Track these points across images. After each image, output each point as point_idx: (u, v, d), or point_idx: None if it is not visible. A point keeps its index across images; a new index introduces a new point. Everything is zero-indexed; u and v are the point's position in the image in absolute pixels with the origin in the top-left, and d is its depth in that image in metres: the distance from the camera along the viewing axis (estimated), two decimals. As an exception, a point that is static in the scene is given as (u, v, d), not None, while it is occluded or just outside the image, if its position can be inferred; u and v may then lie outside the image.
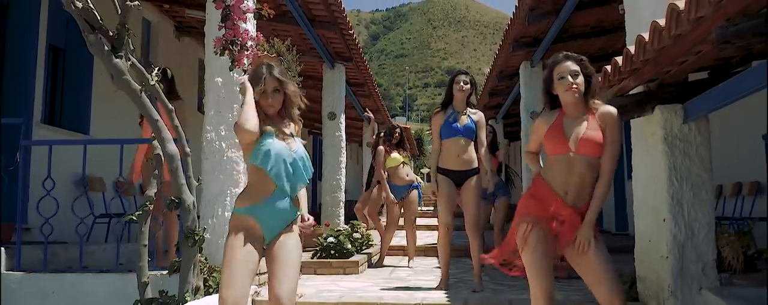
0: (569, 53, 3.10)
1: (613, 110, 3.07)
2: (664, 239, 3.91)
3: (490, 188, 6.13)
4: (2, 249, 4.56)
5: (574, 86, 3.02)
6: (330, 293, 4.84)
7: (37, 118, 6.35)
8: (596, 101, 3.11)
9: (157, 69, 4.31)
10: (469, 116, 5.29)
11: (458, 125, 5.23)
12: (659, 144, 3.96)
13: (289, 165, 3.01)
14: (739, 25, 2.52)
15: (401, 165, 7.35)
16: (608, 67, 3.93)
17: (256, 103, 3.04)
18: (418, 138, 33.16)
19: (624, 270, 4.34)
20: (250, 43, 4.14)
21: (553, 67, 3.09)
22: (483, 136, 5.31)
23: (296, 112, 3.14)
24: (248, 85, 3.05)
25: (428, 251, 8.33)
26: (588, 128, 3.02)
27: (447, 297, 4.74)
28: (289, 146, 3.05)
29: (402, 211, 7.39)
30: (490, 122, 13.53)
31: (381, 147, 7.36)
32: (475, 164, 5.30)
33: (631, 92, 4.10)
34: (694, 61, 3.35)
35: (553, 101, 3.17)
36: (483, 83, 12.22)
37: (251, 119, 2.94)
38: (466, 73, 5.41)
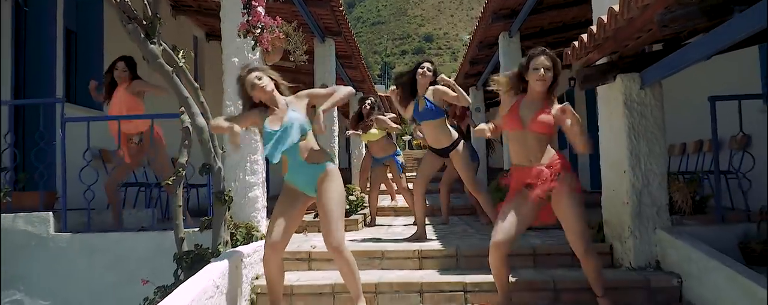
0: (547, 50, 3.77)
1: (568, 107, 3.70)
2: (625, 188, 4.64)
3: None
4: (51, 213, 5.17)
5: (545, 78, 3.71)
6: (338, 245, 5.51)
7: (59, 96, 6.90)
8: (554, 95, 3.82)
9: (181, 52, 4.92)
10: (424, 98, 5.85)
11: (418, 108, 5.88)
12: (620, 107, 4.66)
13: (276, 141, 3.78)
14: (675, 12, 3.19)
15: (381, 139, 7.93)
16: (576, 43, 4.60)
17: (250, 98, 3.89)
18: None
19: (595, 219, 5.11)
20: (271, 26, 4.75)
21: (532, 58, 3.78)
22: (450, 95, 5.73)
23: (285, 87, 3.91)
24: (220, 123, 3.85)
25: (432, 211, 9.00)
26: (541, 113, 3.72)
27: (441, 245, 5.44)
28: (281, 121, 3.77)
29: (387, 178, 8.13)
30: (470, 88, 14.24)
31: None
32: (455, 137, 5.99)
33: (596, 63, 4.78)
34: (646, 38, 4.02)
35: (520, 85, 3.87)
36: (464, 51, 12.84)
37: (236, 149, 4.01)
38: (431, 62, 6.04)
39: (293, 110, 3.84)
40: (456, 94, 5.68)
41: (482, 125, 4.07)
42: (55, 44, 6.85)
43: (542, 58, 3.78)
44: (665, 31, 3.24)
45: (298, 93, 3.96)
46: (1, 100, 6.01)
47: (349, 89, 4.01)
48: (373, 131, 7.73)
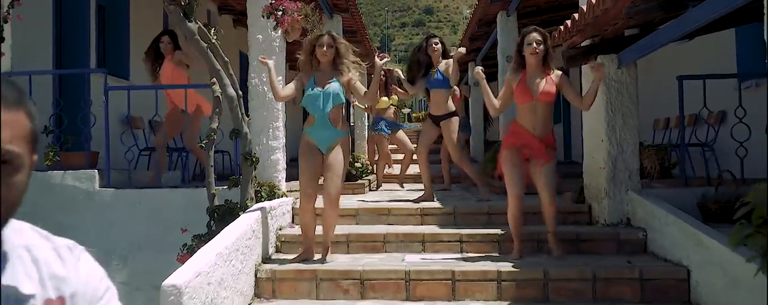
0: (538, 27, 4.49)
1: (561, 73, 4.49)
2: (602, 155, 5.31)
3: None
4: (96, 171, 5.84)
5: (537, 50, 4.40)
6: (349, 204, 6.20)
7: (93, 66, 7.54)
8: (552, 66, 4.52)
9: (213, 29, 5.55)
10: (438, 70, 6.65)
11: (439, 77, 6.63)
12: (600, 85, 5.30)
13: (318, 100, 4.57)
14: (639, 6, 3.84)
15: (389, 107, 8.68)
16: (561, 28, 5.23)
17: (312, 52, 4.48)
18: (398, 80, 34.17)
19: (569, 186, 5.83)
20: (290, 9, 5.38)
21: (525, 35, 4.55)
22: (455, 73, 6.57)
23: (346, 62, 4.56)
24: (268, 63, 4.53)
25: (418, 179, 9.71)
26: (545, 84, 4.46)
27: (441, 205, 6.14)
28: (323, 88, 4.51)
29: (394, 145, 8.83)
30: (470, 64, 14.85)
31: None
32: (452, 109, 6.74)
33: (580, 45, 5.42)
34: (621, 24, 4.66)
35: (520, 61, 4.58)
36: (465, 25, 13.41)
37: (277, 95, 4.78)
38: (436, 37, 6.86)
39: (336, 80, 4.56)
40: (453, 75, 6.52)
41: (477, 68, 4.82)
42: (88, 19, 7.46)
43: (533, 34, 4.60)
44: (631, 21, 3.90)
45: (343, 71, 4.63)
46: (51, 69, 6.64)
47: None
48: (383, 98, 8.43)
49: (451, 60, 6.56)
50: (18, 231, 1.13)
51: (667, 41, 4.48)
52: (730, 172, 5.11)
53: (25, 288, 1.07)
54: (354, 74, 4.73)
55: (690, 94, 5.53)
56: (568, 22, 5.03)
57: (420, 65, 6.76)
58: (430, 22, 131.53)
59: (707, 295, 3.87)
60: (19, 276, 1.07)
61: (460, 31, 16.60)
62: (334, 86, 4.64)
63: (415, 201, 6.44)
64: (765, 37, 2.85)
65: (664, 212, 4.56)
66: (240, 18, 11.62)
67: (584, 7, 4.55)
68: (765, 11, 2.82)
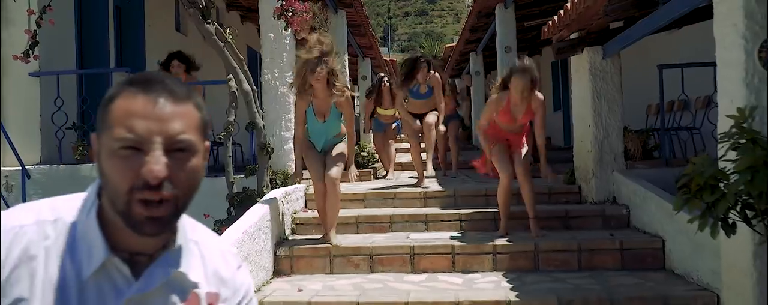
0: (526, 64, 4.88)
1: (539, 97, 4.98)
2: (589, 139, 5.76)
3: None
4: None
5: (524, 96, 4.87)
6: (358, 189, 6.67)
7: (112, 65, 8.01)
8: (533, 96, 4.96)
9: (228, 29, 6.01)
10: (427, 85, 7.22)
11: (420, 92, 7.24)
12: (586, 74, 5.75)
13: (323, 135, 5.08)
14: (615, 5, 4.28)
15: (385, 114, 9.13)
16: (550, 22, 5.67)
17: (305, 75, 4.84)
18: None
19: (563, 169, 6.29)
20: (299, 10, 5.82)
21: (512, 75, 4.90)
22: (439, 92, 7.28)
23: (338, 86, 4.90)
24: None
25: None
26: (526, 113, 4.94)
27: (442, 188, 6.61)
28: (325, 116, 4.97)
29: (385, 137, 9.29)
30: (470, 54, 15.27)
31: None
32: (432, 108, 7.31)
33: (568, 38, 5.87)
34: (604, 20, 5.11)
35: (504, 86, 5.03)
36: (467, 12, 13.83)
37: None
38: (423, 57, 7.36)
39: (334, 108, 4.94)
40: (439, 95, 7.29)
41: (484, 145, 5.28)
42: (107, 20, 7.92)
43: (524, 81, 4.84)
44: (607, 18, 4.34)
45: (337, 94, 4.94)
46: (75, 69, 7.11)
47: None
48: (386, 109, 8.85)
49: (437, 78, 7.26)
50: (193, 226, 1.24)
51: (643, 35, 4.91)
52: (706, 152, 5.55)
53: (193, 276, 1.17)
54: (347, 96, 5.04)
55: (673, 80, 5.95)
56: (556, 17, 5.47)
57: (406, 75, 7.27)
58: (433, 11, 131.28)
59: (678, 261, 4.34)
60: (189, 264, 1.17)
61: (463, 19, 16.99)
62: (333, 117, 5.01)
63: (414, 185, 6.90)
64: (714, 34, 3.30)
65: (644, 189, 5.02)
66: (247, 14, 12.07)
67: (568, 5, 4.99)
68: (714, 11, 3.28)
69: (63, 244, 1.08)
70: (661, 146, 5.92)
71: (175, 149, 1.05)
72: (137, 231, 1.06)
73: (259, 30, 12.34)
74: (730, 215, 2.57)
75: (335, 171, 5.01)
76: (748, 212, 2.63)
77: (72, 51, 7.28)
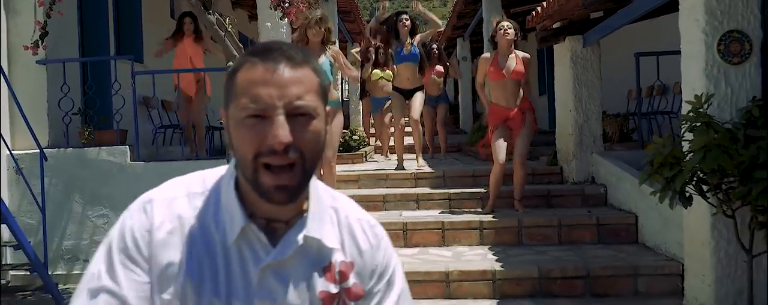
0: (509, 19, 5.30)
1: (526, 55, 5.26)
2: (570, 123, 6.13)
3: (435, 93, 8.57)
4: (127, 146, 6.61)
5: (508, 33, 5.17)
6: (351, 171, 7.01)
7: (112, 52, 8.26)
8: (518, 52, 5.28)
9: (227, 18, 6.30)
10: (412, 44, 7.37)
11: (404, 52, 7.33)
12: (568, 62, 6.10)
13: None
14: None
15: (380, 80, 9.29)
16: (534, 13, 6.01)
17: (305, 32, 5.38)
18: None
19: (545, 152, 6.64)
20: (295, 1, 6.12)
21: (498, 23, 5.28)
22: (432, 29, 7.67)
23: (330, 41, 5.45)
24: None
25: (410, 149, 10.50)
26: (516, 64, 5.21)
27: (432, 169, 6.97)
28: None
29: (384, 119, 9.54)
30: (458, 39, 15.57)
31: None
32: (420, 84, 7.49)
33: (551, 27, 6.20)
34: (583, 11, 5.44)
35: (493, 45, 5.38)
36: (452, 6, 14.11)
37: None
38: (405, 13, 7.53)
39: (325, 57, 5.34)
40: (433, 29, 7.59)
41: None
42: (107, 8, 8.16)
43: (505, 22, 5.41)
44: (587, 10, 4.68)
45: (331, 47, 5.43)
46: (79, 57, 7.38)
47: (355, 75, 5.56)
48: (375, 70, 9.01)
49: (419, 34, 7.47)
50: (332, 194, 1.25)
51: (621, 25, 5.26)
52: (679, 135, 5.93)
53: (329, 242, 1.17)
54: (339, 53, 5.52)
55: (666, 67, 6.25)
56: (539, 8, 5.80)
57: (388, 32, 7.48)
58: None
59: (649, 234, 4.73)
60: (325, 231, 1.17)
61: (450, 3, 17.28)
62: (324, 62, 5.43)
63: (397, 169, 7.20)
64: (679, 28, 3.66)
65: (620, 170, 5.39)
66: (239, 1, 12.30)
67: (550, -3, 5.33)
68: (680, 7, 3.63)
69: (210, 214, 1.14)
70: (637, 129, 6.29)
71: (297, 114, 1.07)
72: (266, 198, 1.08)
73: (249, 16, 12.68)
74: (687, 189, 2.93)
75: (331, 154, 5.39)
76: (703, 187, 3.00)
77: (75, 40, 7.52)
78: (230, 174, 1.16)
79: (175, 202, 1.16)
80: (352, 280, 1.19)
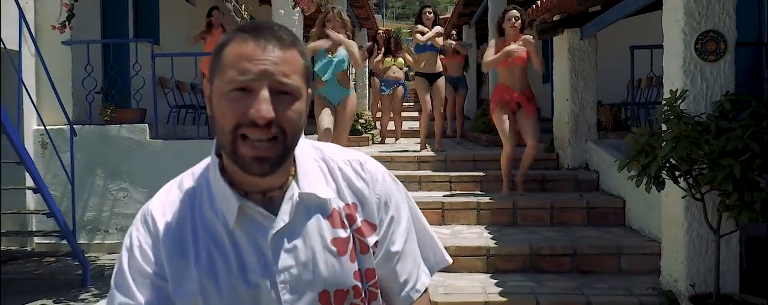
0: (517, 7, 5.61)
1: (529, 37, 5.56)
2: (567, 111, 6.46)
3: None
4: (146, 125, 6.97)
5: (516, 24, 5.50)
6: (357, 152, 7.35)
7: (131, 35, 8.61)
8: (523, 35, 5.60)
9: (243, 5, 6.63)
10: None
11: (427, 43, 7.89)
12: (566, 53, 6.42)
13: (331, 66, 5.73)
14: (588, -4, 4.94)
15: (391, 67, 9.74)
16: (534, 6, 6.32)
17: (323, 26, 5.60)
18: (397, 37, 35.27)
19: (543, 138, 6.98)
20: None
21: (506, 12, 5.67)
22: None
23: (347, 30, 5.74)
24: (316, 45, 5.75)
25: (415, 134, 10.86)
26: (519, 51, 5.53)
27: (434, 153, 7.32)
28: (333, 53, 5.62)
29: (392, 102, 9.90)
30: (464, 26, 15.85)
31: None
32: (440, 70, 8.06)
33: (551, 20, 6.52)
34: (579, 7, 5.75)
35: (500, 32, 5.70)
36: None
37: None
38: (429, 6, 8.18)
39: (343, 49, 5.69)
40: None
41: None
42: (127, -8, 8.50)
43: (513, 11, 5.76)
44: (580, 7, 5.00)
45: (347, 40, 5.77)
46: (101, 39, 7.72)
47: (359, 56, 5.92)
48: (387, 58, 9.52)
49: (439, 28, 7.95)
50: (317, 147, 1.29)
51: (616, 19, 5.56)
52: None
53: (322, 193, 1.21)
54: (353, 45, 5.81)
55: (660, 59, 6.55)
56: (539, 2, 6.12)
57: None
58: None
59: (635, 218, 5.08)
60: (316, 184, 1.21)
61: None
62: (341, 54, 5.76)
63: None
64: (662, 27, 3.98)
65: (611, 157, 5.73)
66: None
67: (550, -8, 5.64)
68: (663, 8, 3.95)
69: (207, 205, 1.19)
70: (631, 118, 6.62)
71: (282, 92, 1.10)
72: (246, 170, 1.11)
73: (260, 2, 12.97)
74: (661, 174, 3.28)
75: (344, 139, 5.76)
76: (676, 172, 3.35)
77: (98, 22, 7.87)
78: (214, 161, 1.20)
79: (172, 206, 1.21)
80: (359, 219, 1.24)
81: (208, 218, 1.18)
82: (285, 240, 1.17)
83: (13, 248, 6.92)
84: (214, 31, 7.79)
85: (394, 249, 1.29)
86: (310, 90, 1.20)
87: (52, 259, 6.54)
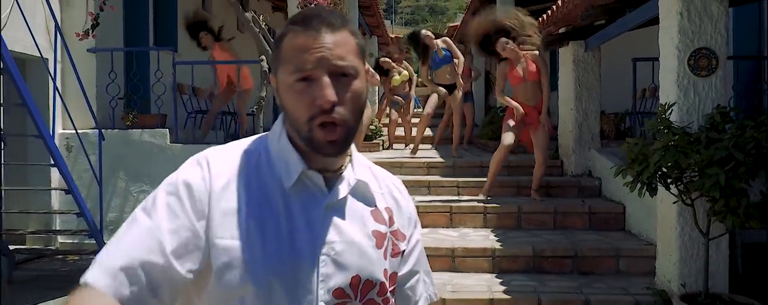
0: (503, 29, 5.82)
1: (535, 53, 5.82)
2: (571, 120, 6.72)
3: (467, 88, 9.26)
4: (167, 129, 7.27)
5: (507, 49, 5.75)
6: (369, 159, 7.63)
7: (151, 42, 8.93)
8: (526, 51, 5.83)
9: (261, 15, 6.93)
10: (443, 49, 8.15)
11: (438, 57, 8.10)
12: (570, 64, 6.68)
13: None
14: (589, 12, 5.21)
15: (402, 83, 10.06)
16: (541, 19, 6.59)
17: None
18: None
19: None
20: (322, 3, 6.73)
21: (495, 42, 5.84)
22: (455, 50, 8.19)
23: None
24: None
25: (424, 140, 11.14)
26: (528, 67, 5.80)
27: (443, 159, 7.59)
28: None
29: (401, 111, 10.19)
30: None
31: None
32: (456, 80, 8.20)
33: (557, 32, 6.79)
34: (581, 22, 6.02)
35: (500, 58, 5.96)
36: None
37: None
38: (426, 31, 8.31)
39: None
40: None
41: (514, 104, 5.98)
42: (147, 2, 8.81)
43: (501, 38, 5.87)
44: (583, 22, 5.27)
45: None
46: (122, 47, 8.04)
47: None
48: (396, 76, 9.82)
49: (448, 40, 8.18)
50: (360, 157, 1.35)
51: (618, 33, 5.83)
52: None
53: (373, 187, 1.30)
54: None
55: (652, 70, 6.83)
56: (545, 15, 6.39)
57: (424, 53, 8.21)
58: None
59: (634, 223, 5.34)
60: (368, 178, 1.29)
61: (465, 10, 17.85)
62: None
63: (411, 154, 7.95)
64: (659, 44, 4.24)
65: (612, 164, 5.96)
66: (277, 4, 12.89)
67: (555, 7, 5.91)
68: (660, 26, 4.21)
69: (264, 163, 1.23)
70: (633, 128, 6.88)
71: (340, 74, 1.15)
72: (321, 152, 1.18)
73: (273, 7, 13.28)
74: (653, 181, 3.54)
75: (359, 141, 6.03)
76: (668, 180, 3.61)
77: (120, 31, 8.19)
78: (279, 130, 1.25)
79: (229, 155, 1.23)
80: (396, 224, 1.32)
81: (264, 178, 1.21)
82: (334, 216, 1.21)
83: (39, 247, 7.23)
84: (216, 49, 8.10)
85: (415, 268, 1.39)
86: (367, 66, 1.36)
87: (76, 257, 6.84)
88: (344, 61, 1.15)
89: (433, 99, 8.28)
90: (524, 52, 5.92)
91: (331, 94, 1.13)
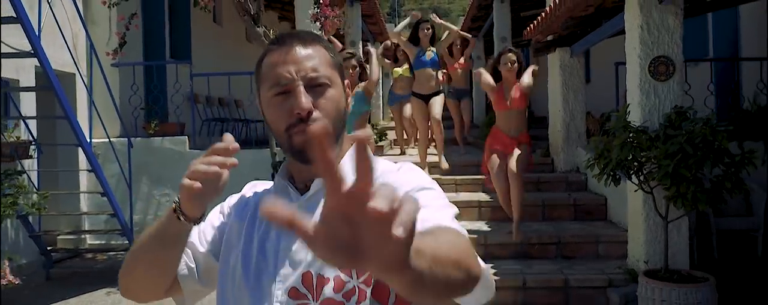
0: (512, 48, 5.53)
1: (529, 83, 6.04)
2: (559, 121, 7.28)
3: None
4: (186, 137, 7.86)
5: (512, 68, 5.65)
6: (373, 159, 8.20)
7: (167, 55, 9.54)
8: (520, 83, 6.01)
9: (272, 30, 7.52)
10: (433, 51, 7.51)
11: (426, 58, 7.47)
12: (557, 69, 7.24)
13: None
14: (569, 22, 5.77)
15: (399, 78, 9.47)
16: (529, 27, 7.15)
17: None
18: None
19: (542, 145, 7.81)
20: (331, 16, 7.30)
21: (502, 54, 5.41)
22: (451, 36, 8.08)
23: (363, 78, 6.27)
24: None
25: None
26: (516, 94, 6.17)
27: (445, 159, 8.15)
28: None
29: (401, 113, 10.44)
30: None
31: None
32: (438, 88, 7.58)
33: (545, 40, 7.35)
34: (563, 32, 6.58)
35: (496, 75, 5.45)
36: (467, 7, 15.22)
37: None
38: (427, 21, 7.72)
39: (359, 90, 6.22)
40: (452, 36, 8.18)
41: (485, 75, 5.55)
42: (164, 17, 9.43)
43: (509, 54, 5.37)
44: (565, 32, 5.82)
45: (362, 85, 6.11)
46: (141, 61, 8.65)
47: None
48: (395, 69, 9.76)
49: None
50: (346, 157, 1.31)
51: (598, 40, 6.39)
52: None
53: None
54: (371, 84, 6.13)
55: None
56: (532, 24, 6.96)
57: (409, 38, 7.80)
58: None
59: (614, 213, 5.90)
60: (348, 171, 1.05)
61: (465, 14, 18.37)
62: (358, 93, 5.97)
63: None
64: (625, 52, 4.80)
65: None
66: (284, 14, 13.35)
67: (540, 18, 6.48)
68: (626, 36, 4.76)
69: (267, 193, 1.36)
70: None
71: (315, 85, 1.20)
72: (301, 159, 1.22)
73: (279, 17, 13.88)
74: (616, 172, 4.11)
75: None
76: (630, 170, 4.17)
77: (140, 46, 8.80)
78: (284, 167, 1.35)
79: (254, 187, 1.41)
80: None
81: (266, 197, 1.32)
82: (307, 211, 1.21)
83: (69, 247, 7.84)
84: None
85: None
86: (346, 80, 1.29)
87: (104, 257, 7.43)
88: (317, 72, 1.20)
89: (407, 111, 8.13)
90: (517, 82, 5.56)
91: (306, 102, 1.17)
